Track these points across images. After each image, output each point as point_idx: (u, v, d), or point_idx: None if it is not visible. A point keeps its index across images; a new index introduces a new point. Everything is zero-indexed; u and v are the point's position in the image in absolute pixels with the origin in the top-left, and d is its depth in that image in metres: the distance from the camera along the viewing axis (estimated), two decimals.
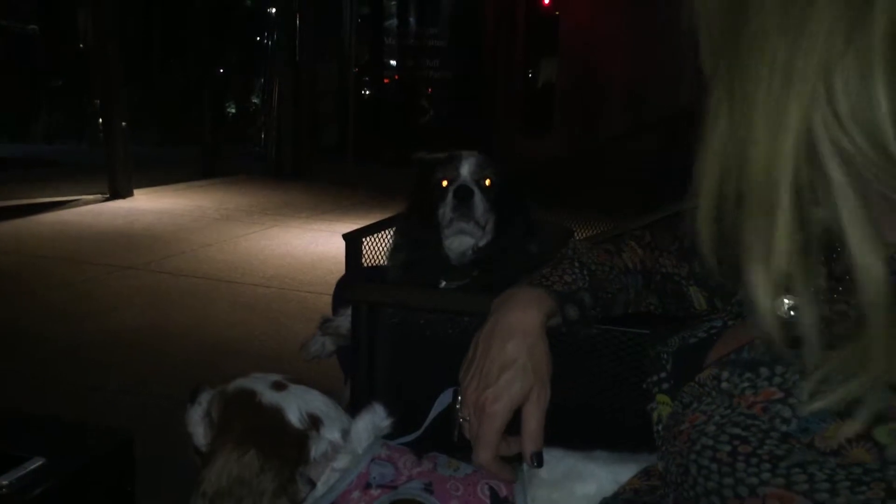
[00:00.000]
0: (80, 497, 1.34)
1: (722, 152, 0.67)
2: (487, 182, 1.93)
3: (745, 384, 0.73)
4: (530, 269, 1.82)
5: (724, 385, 0.76)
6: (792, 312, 0.74)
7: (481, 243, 1.94)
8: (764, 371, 0.73)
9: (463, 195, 1.90)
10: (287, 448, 1.12)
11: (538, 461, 0.99)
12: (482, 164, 1.96)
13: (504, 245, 1.93)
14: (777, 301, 0.75)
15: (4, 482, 1.23)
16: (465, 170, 1.94)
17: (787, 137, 0.61)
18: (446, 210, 1.91)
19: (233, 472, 1.09)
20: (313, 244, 7.03)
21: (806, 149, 0.62)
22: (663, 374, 0.87)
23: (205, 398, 1.22)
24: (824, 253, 0.68)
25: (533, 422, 0.99)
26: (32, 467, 1.27)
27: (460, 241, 1.94)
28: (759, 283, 0.66)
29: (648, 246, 1.15)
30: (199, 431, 1.21)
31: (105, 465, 1.40)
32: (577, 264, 1.10)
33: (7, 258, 6.08)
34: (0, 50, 15.40)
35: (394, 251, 2.04)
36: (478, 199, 1.90)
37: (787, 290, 0.68)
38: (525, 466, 1.11)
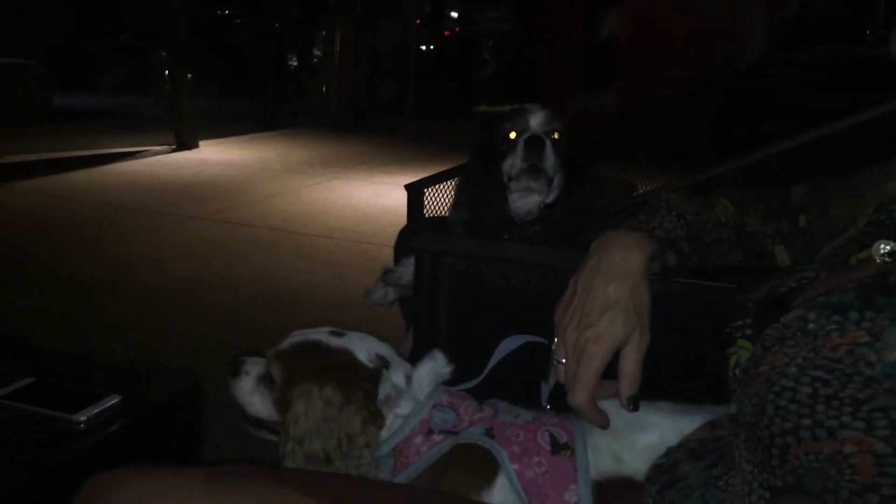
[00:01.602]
0: (153, 433, 1.40)
1: None
2: (556, 135, 1.89)
3: (833, 326, 0.73)
4: (597, 224, 1.81)
5: (811, 326, 0.75)
6: (887, 258, 0.74)
7: (548, 199, 1.91)
8: (853, 315, 0.72)
9: (534, 145, 1.85)
10: (365, 382, 1.14)
11: (634, 405, 0.97)
12: (551, 116, 1.91)
13: (571, 202, 1.90)
14: (876, 245, 0.75)
15: (82, 417, 1.28)
16: (535, 121, 1.89)
17: None
18: (516, 160, 1.87)
19: (317, 410, 1.10)
20: (374, 196, 7.07)
21: None
22: (748, 321, 0.86)
23: (252, 367, 1.23)
24: None
25: (631, 364, 0.96)
26: (109, 404, 1.32)
27: (526, 196, 1.90)
28: None
29: (737, 203, 1.14)
30: (254, 400, 1.21)
31: (177, 404, 1.45)
32: (673, 213, 1.08)
33: (78, 207, 6.26)
34: (71, 4, 15.68)
35: (455, 208, 2.02)
36: (549, 149, 1.86)
37: (884, 235, 0.69)
38: None
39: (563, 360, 1.00)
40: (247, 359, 1.24)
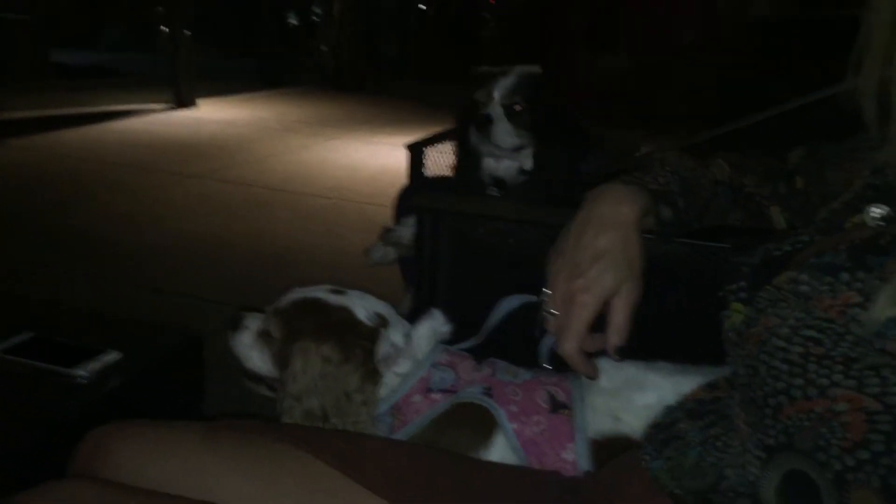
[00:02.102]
0: (154, 390, 1.40)
1: (890, 22, 0.73)
2: (517, 107, 1.90)
3: (825, 287, 0.73)
4: (582, 187, 1.81)
5: (803, 288, 0.75)
6: (880, 222, 0.75)
7: (526, 166, 1.92)
8: (844, 276, 0.72)
9: (482, 122, 1.88)
10: (363, 340, 1.14)
11: (621, 354, 0.97)
12: (516, 85, 1.91)
13: (552, 166, 1.90)
14: (867, 209, 0.75)
15: (83, 372, 1.28)
16: (497, 93, 1.90)
17: None
18: (473, 132, 1.91)
19: (315, 367, 1.11)
20: (373, 157, 7.05)
21: None
22: (742, 284, 0.87)
23: (252, 322, 1.23)
24: None
25: (620, 315, 0.96)
26: (109, 360, 1.32)
27: (502, 161, 1.93)
28: None
29: (734, 165, 1.13)
30: (252, 355, 1.23)
31: (177, 361, 1.45)
32: (668, 168, 1.07)
33: (76, 164, 6.23)
34: None
35: (454, 171, 2.06)
36: (500, 127, 1.87)
37: (879, 199, 0.68)
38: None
39: (555, 311, 1.00)
40: (247, 314, 1.25)
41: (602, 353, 1.00)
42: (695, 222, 1.08)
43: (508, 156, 1.90)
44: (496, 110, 1.88)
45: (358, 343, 1.14)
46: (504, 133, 1.87)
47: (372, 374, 1.13)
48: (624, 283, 0.97)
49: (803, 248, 0.84)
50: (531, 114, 1.89)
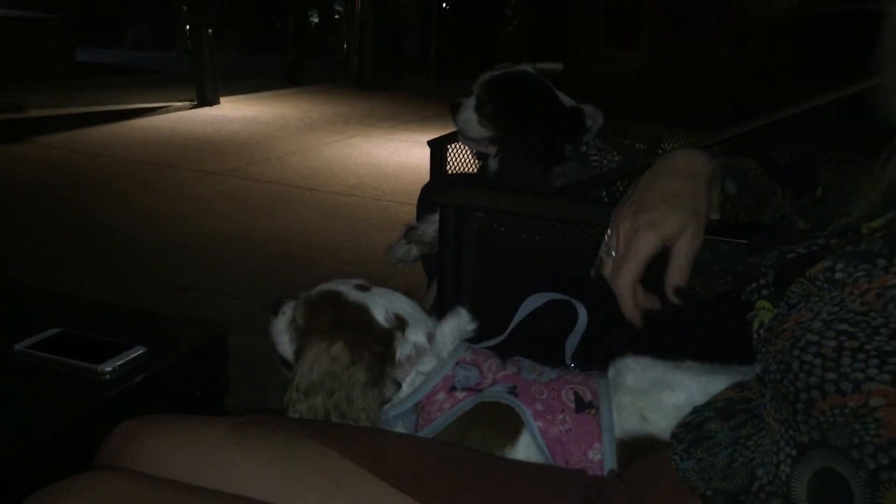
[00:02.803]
0: (178, 385, 1.41)
1: None
2: (484, 97, 1.96)
3: (860, 273, 0.72)
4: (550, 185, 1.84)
5: (838, 275, 0.74)
6: None
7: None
8: (881, 262, 0.72)
9: (453, 108, 1.98)
10: (374, 343, 1.14)
11: (682, 295, 0.96)
12: (495, 79, 1.96)
13: (505, 168, 1.92)
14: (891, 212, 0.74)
15: (107, 368, 1.29)
16: (477, 85, 1.98)
17: None
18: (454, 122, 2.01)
19: (323, 365, 1.11)
20: (396, 154, 7.06)
21: None
22: (763, 281, 0.85)
23: (288, 308, 1.25)
24: None
25: (682, 257, 0.95)
26: (134, 355, 1.32)
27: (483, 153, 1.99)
28: None
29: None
30: (283, 340, 1.25)
31: (201, 356, 1.45)
32: (729, 162, 1.07)
33: (100, 161, 6.30)
34: None
35: None
36: (465, 115, 1.95)
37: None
38: (611, 374, 1.11)
39: (613, 254, 0.98)
40: (286, 300, 1.27)
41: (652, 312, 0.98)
42: (754, 211, 1.07)
43: (477, 145, 1.99)
44: (469, 101, 1.96)
45: (369, 346, 1.13)
46: (468, 122, 1.95)
47: (377, 380, 1.12)
48: (687, 227, 0.96)
49: (818, 251, 0.83)
50: (501, 107, 1.93)
